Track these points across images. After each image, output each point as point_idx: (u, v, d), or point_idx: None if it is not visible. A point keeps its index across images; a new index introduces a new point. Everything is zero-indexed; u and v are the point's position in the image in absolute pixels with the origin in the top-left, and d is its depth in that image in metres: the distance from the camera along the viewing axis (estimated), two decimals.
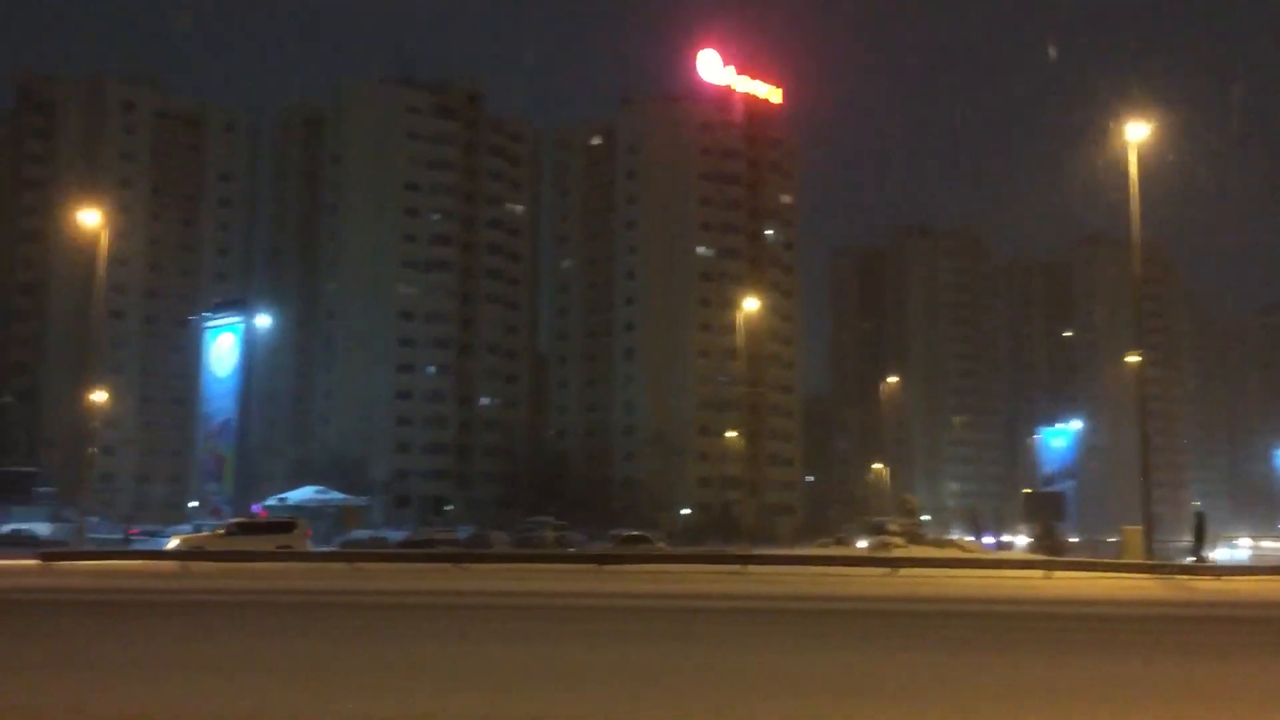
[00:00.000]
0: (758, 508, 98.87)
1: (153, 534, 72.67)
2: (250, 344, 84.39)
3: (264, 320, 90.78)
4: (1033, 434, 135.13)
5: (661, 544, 51.39)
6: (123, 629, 16.68)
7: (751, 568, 34.19)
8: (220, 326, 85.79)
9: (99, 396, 49.81)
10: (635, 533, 53.71)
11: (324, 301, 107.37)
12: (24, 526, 62.68)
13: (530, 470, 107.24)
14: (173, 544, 38.65)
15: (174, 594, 23.48)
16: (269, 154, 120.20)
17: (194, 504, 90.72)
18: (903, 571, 32.93)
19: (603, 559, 36.96)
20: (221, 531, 41.02)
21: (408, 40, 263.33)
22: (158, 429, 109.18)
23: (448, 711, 9.91)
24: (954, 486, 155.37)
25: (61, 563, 35.08)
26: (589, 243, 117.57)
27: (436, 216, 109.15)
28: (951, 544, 47.30)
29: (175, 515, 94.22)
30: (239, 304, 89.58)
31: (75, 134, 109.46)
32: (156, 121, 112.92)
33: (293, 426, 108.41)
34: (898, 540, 40.99)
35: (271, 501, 77.89)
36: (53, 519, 70.13)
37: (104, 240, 44.74)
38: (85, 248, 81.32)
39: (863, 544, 51.49)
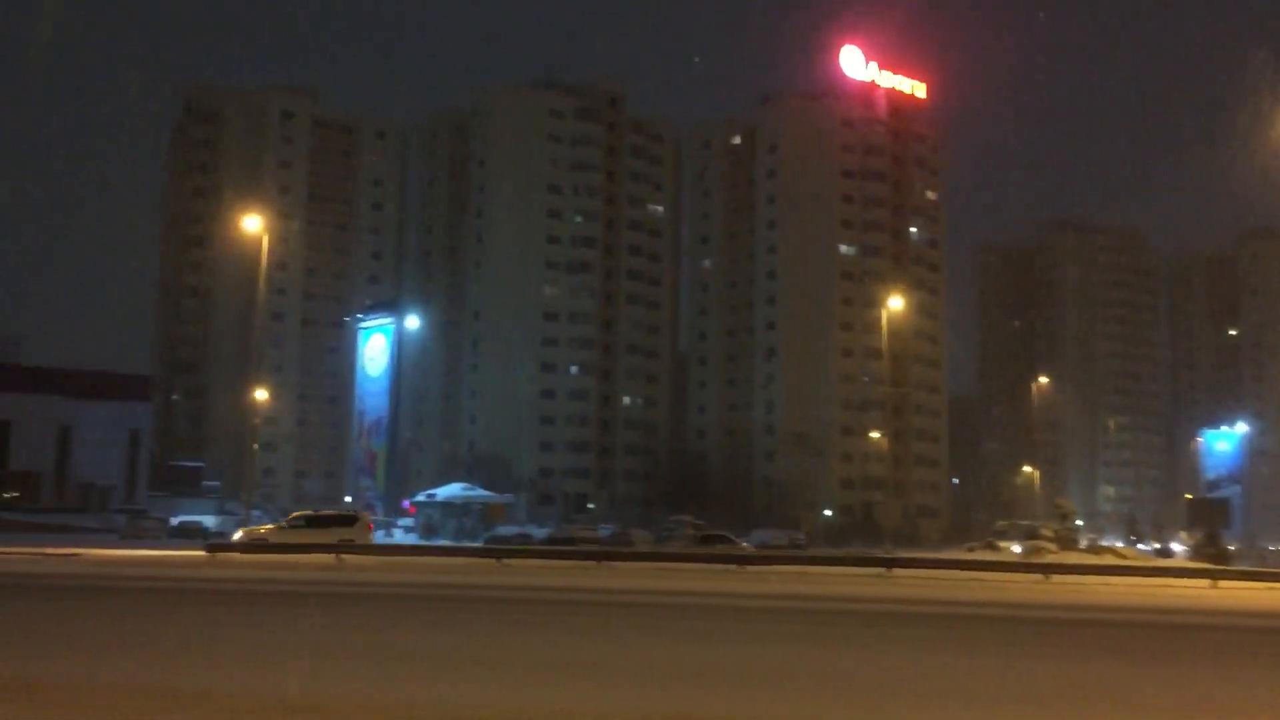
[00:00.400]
0: (902, 510, 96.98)
1: None
2: (400, 344, 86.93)
3: (413, 321, 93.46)
4: (1195, 437, 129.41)
5: (745, 544, 49.69)
6: (286, 617, 17.36)
7: (897, 571, 33.62)
8: (372, 327, 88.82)
9: (261, 395, 51.92)
10: (714, 532, 53.36)
11: (470, 302, 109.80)
12: (192, 518, 65.89)
13: (670, 469, 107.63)
14: (236, 536, 39.36)
15: (333, 586, 24.33)
16: (418, 159, 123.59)
17: (349, 499, 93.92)
18: (1055, 578, 31.91)
19: (744, 559, 36.82)
20: (284, 525, 41.65)
21: (549, 43, 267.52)
22: (314, 426, 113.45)
23: (602, 707, 10.02)
24: (1109, 491, 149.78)
25: (226, 554, 36.75)
26: (729, 242, 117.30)
27: (579, 218, 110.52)
28: (1108, 550, 45.56)
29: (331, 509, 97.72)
30: (390, 306, 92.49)
31: (238, 143, 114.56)
32: (313, 130, 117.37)
33: (440, 424, 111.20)
34: (1051, 545, 39.65)
35: (420, 497, 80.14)
36: (218, 511, 73.64)
37: (265, 245, 46.63)
38: (248, 252, 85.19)
39: (1015, 548, 49.98)
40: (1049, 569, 33.24)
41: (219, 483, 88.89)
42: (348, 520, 41.14)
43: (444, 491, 78.42)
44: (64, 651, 12.89)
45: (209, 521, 65.96)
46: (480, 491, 79.20)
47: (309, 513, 44.31)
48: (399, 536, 69.73)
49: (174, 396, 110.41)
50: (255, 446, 47.62)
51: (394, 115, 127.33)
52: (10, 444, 69.43)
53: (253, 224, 49.32)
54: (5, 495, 64.08)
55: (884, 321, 69.29)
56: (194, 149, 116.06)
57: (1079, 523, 69.94)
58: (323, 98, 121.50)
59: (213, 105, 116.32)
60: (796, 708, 10.21)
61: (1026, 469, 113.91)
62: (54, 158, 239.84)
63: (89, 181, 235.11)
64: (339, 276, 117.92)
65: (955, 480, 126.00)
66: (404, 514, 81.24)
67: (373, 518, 71.40)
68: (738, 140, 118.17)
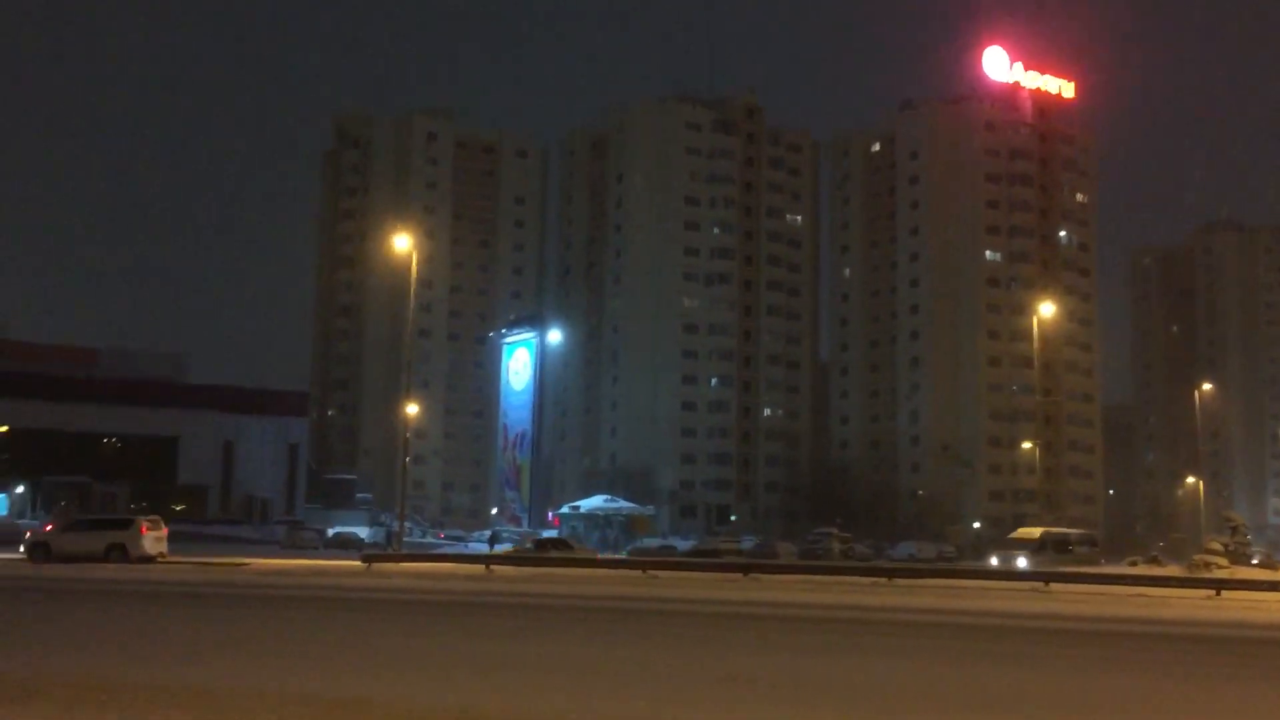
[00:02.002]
0: (1054, 523, 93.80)
1: (459, 539, 77.26)
2: (543, 358, 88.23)
3: (555, 336, 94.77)
4: None
5: (585, 550, 47.63)
6: (440, 628, 17.74)
7: (1054, 586, 32.46)
8: (516, 342, 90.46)
9: (411, 410, 53.33)
10: (555, 537, 54.93)
11: (610, 316, 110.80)
12: (347, 529, 68.13)
13: (813, 481, 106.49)
14: (26, 536, 38.62)
15: (478, 596, 24.77)
16: (558, 176, 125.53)
17: (495, 510, 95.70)
18: (1227, 594, 30.33)
19: (893, 572, 36.11)
20: (61, 527, 39.74)
21: (685, 56, 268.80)
22: (460, 440, 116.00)
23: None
24: (1279, 503, 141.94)
25: (381, 564, 37.83)
26: (870, 251, 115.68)
27: (717, 230, 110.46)
28: None
29: (477, 522, 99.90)
30: (533, 320, 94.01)
31: (385, 166, 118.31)
32: (456, 150, 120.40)
33: (582, 437, 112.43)
34: (1220, 560, 37.71)
35: (564, 509, 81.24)
36: (370, 523, 75.96)
37: (414, 264, 47.89)
38: (396, 271, 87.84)
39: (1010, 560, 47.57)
40: (1221, 584, 31.63)
41: (370, 495, 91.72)
42: (122, 524, 38.11)
43: (587, 503, 79.30)
44: (250, 656, 13.40)
45: (362, 532, 68.11)
46: (623, 503, 79.83)
47: (92, 516, 43.17)
48: None
49: (329, 411, 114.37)
50: (407, 460, 48.83)
51: (534, 134, 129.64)
52: (179, 458, 72.95)
53: (401, 244, 50.70)
54: (175, 507, 67.27)
55: (1034, 328, 67.10)
56: (344, 173, 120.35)
57: (1249, 536, 66.45)
58: (464, 119, 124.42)
59: (361, 131, 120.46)
60: None
61: (1189, 480, 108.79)
62: (217, 187, 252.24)
63: (251, 208, 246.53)
64: (483, 293, 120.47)
65: (1111, 492, 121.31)
66: (549, 526, 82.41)
67: (516, 528, 72.32)
68: (877, 147, 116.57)
